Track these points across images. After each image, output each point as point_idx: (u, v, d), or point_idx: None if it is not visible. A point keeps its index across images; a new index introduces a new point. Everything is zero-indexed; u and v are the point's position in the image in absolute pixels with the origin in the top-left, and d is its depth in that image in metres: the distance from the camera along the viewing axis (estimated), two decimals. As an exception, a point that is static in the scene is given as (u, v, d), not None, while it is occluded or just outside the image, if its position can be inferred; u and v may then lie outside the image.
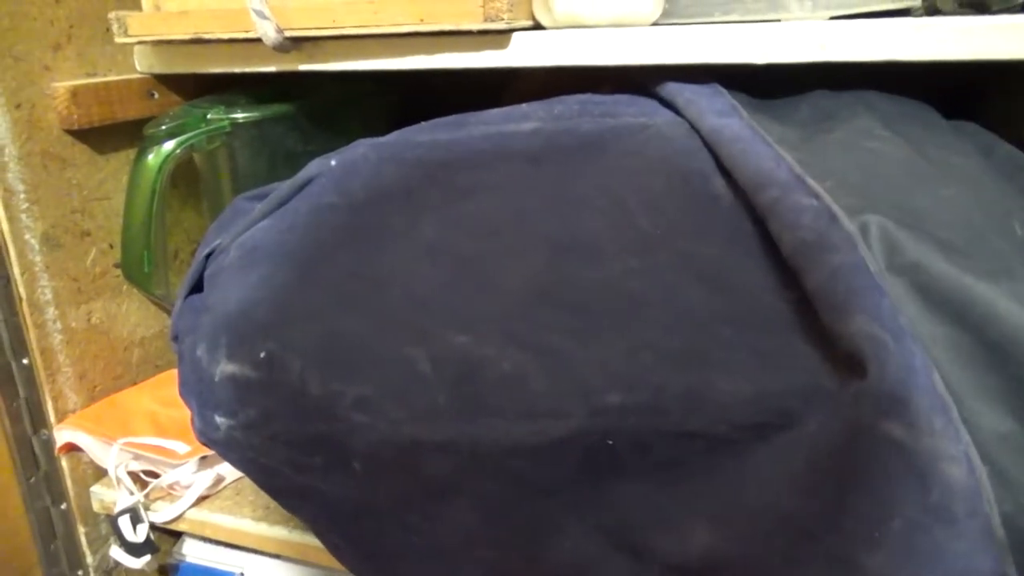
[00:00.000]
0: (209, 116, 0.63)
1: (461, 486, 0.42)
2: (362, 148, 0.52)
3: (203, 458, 0.60)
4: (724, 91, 0.47)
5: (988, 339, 0.34)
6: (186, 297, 0.53)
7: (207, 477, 0.60)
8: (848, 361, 0.35)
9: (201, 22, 0.57)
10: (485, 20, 0.49)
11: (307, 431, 0.46)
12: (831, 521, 0.35)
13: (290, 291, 0.47)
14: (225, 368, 0.48)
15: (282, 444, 0.47)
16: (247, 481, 0.63)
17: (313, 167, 0.53)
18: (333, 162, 0.52)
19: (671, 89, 0.48)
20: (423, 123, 0.51)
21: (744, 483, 0.37)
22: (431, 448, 0.42)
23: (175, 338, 0.54)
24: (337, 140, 0.69)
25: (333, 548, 0.51)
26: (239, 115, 0.64)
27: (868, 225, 0.36)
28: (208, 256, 0.53)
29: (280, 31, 0.54)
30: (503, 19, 0.49)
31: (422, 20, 0.51)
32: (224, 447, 0.50)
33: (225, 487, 0.62)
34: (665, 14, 0.51)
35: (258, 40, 0.56)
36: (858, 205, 0.37)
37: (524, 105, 0.52)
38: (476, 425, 0.41)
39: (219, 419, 0.49)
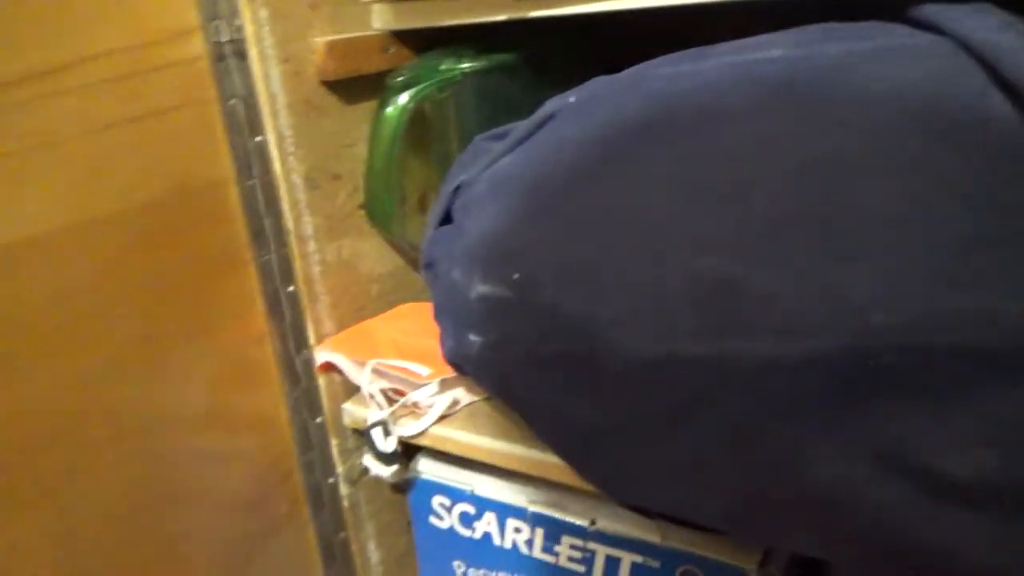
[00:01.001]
0: (441, 67, 0.67)
1: (710, 404, 0.44)
2: (602, 84, 0.54)
3: (443, 381, 0.66)
4: (993, 8, 0.45)
5: None
6: (437, 227, 0.58)
7: (446, 398, 0.66)
8: None
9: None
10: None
11: (555, 349, 0.49)
12: None
13: (538, 219, 0.50)
14: (480, 288, 0.52)
15: (527, 361, 0.51)
16: (480, 405, 0.69)
17: (551, 105, 0.56)
18: (572, 99, 0.55)
19: (930, 11, 0.47)
20: (661, 58, 0.53)
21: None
22: (684, 363, 0.44)
23: (428, 265, 0.59)
24: (555, 88, 0.72)
25: (575, 463, 0.54)
26: (467, 65, 0.68)
27: None
28: (456, 190, 0.58)
29: (520, -23, 0.57)
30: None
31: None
32: (475, 364, 0.55)
33: (461, 409, 0.68)
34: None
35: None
36: None
37: (764, 35, 0.52)
38: (724, 342, 0.42)
39: (472, 337, 0.54)
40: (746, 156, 0.46)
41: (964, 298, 0.37)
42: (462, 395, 0.68)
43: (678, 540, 0.64)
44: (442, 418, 0.66)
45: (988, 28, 0.43)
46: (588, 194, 0.49)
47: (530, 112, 0.69)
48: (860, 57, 0.46)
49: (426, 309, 0.67)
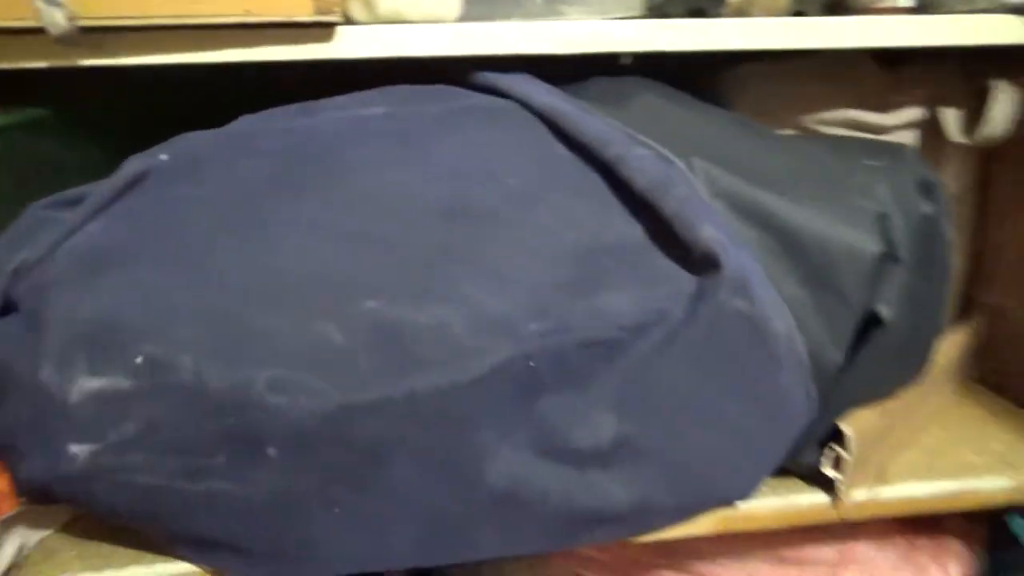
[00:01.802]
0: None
1: (397, 442, 0.44)
2: (200, 141, 0.50)
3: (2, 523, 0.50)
4: (534, 78, 0.56)
5: (779, 235, 0.48)
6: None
7: (11, 546, 0.50)
8: (704, 262, 0.46)
9: (-49, 8, 0.48)
10: (316, 13, 0.51)
11: (209, 429, 0.43)
12: (702, 382, 0.46)
13: (166, 288, 0.44)
14: (86, 385, 0.43)
15: (174, 452, 0.43)
16: (57, 538, 0.54)
17: (136, 164, 0.49)
18: (164, 156, 0.49)
19: (490, 77, 0.56)
20: (265, 113, 0.51)
21: (637, 372, 0.46)
22: (363, 410, 0.43)
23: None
24: (95, 146, 0.63)
25: (234, 556, 0.47)
26: (-18, 122, 0.55)
27: (692, 164, 0.48)
28: (14, 272, 0.46)
29: (73, 20, 0.49)
30: (335, 12, 0.52)
31: (248, 11, 0.51)
32: (82, 480, 0.44)
33: (31, 550, 0.52)
34: (465, 15, 0.58)
35: (29, 31, 0.50)
36: (681, 151, 0.49)
37: (359, 93, 0.55)
38: (408, 378, 0.44)
39: (75, 448, 0.43)
40: (382, 203, 0.48)
41: (587, 298, 0.46)
42: (28, 534, 0.53)
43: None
44: (10, 569, 0.50)
45: (540, 93, 0.54)
46: (221, 256, 0.45)
47: (72, 172, 0.59)
48: (457, 113, 0.52)
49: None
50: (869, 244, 0.48)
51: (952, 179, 0.74)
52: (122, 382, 0.43)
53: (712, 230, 0.45)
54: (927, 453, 0.60)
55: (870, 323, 0.49)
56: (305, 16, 0.51)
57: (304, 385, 0.43)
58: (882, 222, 0.49)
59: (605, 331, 0.46)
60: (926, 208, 0.53)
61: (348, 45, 0.55)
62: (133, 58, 0.53)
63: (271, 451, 0.44)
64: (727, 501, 0.51)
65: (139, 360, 0.42)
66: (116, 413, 0.43)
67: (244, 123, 0.51)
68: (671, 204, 0.46)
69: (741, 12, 0.65)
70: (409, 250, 0.46)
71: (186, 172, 0.48)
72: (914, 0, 0.62)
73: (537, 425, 0.46)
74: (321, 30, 0.54)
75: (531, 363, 0.45)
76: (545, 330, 0.45)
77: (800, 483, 0.55)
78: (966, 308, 0.76)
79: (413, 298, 0.45)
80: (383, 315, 0.44)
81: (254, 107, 0.56)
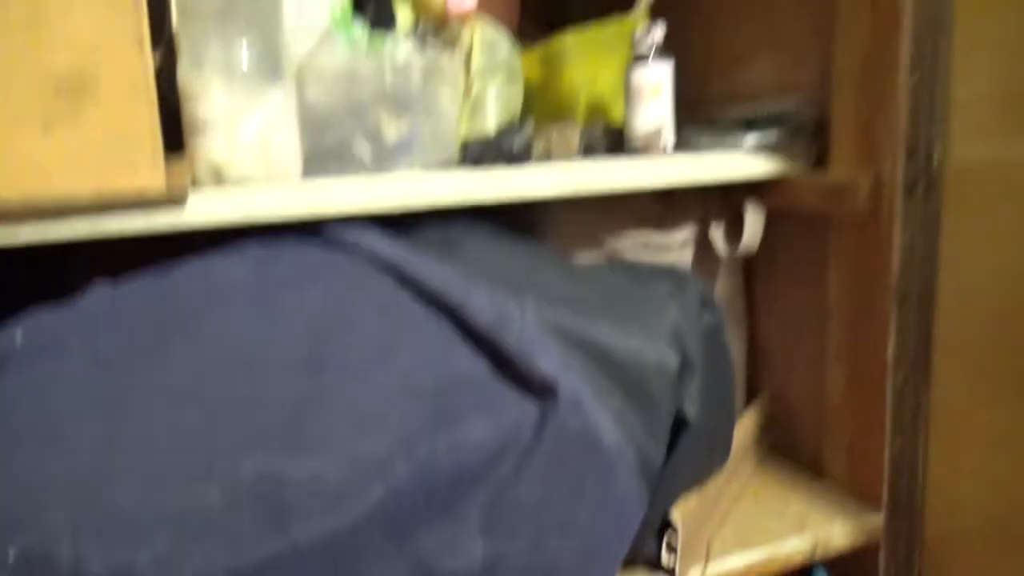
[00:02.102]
0: None
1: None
2: (61, 316, 0.51)
3: None
4: (375, 228, 0.63)
5: (600, 358, 0.57)
6: None
7: None
8: (542, 389, 0.53)
9: None
10: (169, 190, 0.55)
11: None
12: (555, 496, 0.53)
13: (36, 470, 0.44)
14: (-48, 587, 0.41)
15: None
16: None
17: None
18: (18, 338, 0.50)
19: (337, 230, 0.62)
20: (116, 285, 0.53)
21: (498, 494, 0.52)
22: (251, 572, 0.45)
23: None
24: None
25: None
26: None
27: (525, 304, 0.56)
28: None
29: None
30: (185, 187, 0.55)
31: (99, 190, 0.53)
32: None
33: None
34: (306, 175, 0.64)
35: None
36: (512, 289, 0.57)
37: (212, 255, 0.58)
38: (291, 531, 0.46)
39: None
40: (243, 361, 0.51)
41: (449, 432, 0.51)
42: None
43: None
44: None
45: (384, 243, 0.61)
46: (90, 431, 0.46)
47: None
48: (309, 270, 0.57)
49: None
50: (670, 357, 0.58)
51: (723, 285, 0.89)
52: (-10, 579, 0.42)
53: (547, 360, 0.53)
54: (739, 527, 0.71)
55: (679, 423, 0.59)
56: (157, 194, 0.55)
57: (187, 556, 0.44)
58: (676, 336, 0.60)
59: (468, 461, 0.51)
60: (708, 319, 0.64)
61: (198, 212, 0.58)
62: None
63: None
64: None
65: (12, 555, 0.42)
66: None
67: (100, 293, 0.53)
68: (510, 341, 0.54)
69: (544, 156, 0.77)
70: (276, 404, 0.50)
71: (44, 349, 0.49)
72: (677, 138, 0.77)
73: (414, 559, 0.50)
74: (172, 200, 0.57)
75: (404, 501, 0.49)
76: (414, 468, 0.50)
77: (643, 572, 0.63)
78: (750, 392, 0.90)
79: (286, 452, 0.48)
80: (260, 472, 0.47)
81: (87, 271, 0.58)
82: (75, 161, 0.53)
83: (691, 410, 0.59)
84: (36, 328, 0.50)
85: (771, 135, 0.80)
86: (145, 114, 0.55)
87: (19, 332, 0.50)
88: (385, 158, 0.68)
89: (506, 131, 0.74)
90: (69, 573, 0.42)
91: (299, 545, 0.46)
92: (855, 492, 0.76)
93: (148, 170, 0.54)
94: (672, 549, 0.61)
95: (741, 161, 0.78)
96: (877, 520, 0.73)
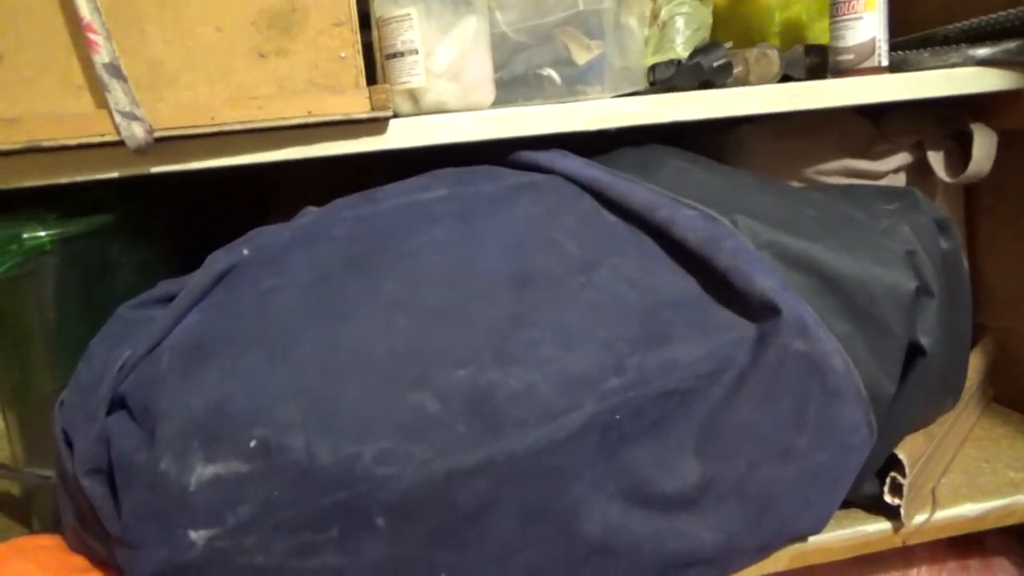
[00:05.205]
0: (24, 236, 0.55)
1: (498, 501, 0.46)
2: (274, 233, 0.53)
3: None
4: (569, 152, 0.61)
5: (823, 279, 0.52)
6: (99, 420, 0.47)
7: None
8: (762, 308, 0.50)
9: (37, 128, 0.51)
10: (372, 110, 0.56)
11: (321, 504, 0.45)
12: (773, 421, 0.49)
13: (266, 373, 0.46)
14: (204, 472, 0.44)
15: (289, 530, 0.45)
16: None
17: (222, 260, 0.52)
18: (246, 251, 0.52)
19: (531, 155, 0.60)
20: (334, 204, 0.55)
21: (712, 416, 0.49)
22: (466, 474, 0.45)
23: (95, 471, 0.46)
24: (158, 247, 0.66)
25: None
26: (56, 231, 0.57)
27: (736, 220, 0.53)
28: (120, 370, 0.48)
29: (151, 131, 0.52)
30: (388, 108, 0.56)
31: (309, 112, 0.55)
32: (200, 567, 0.45)
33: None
34: (496, 101, 0.63)
35: (107, 144, 0.53)
36: (720, 210, 0.54)
37: (413, 179, 0.59)
38: (506, 439, 0.46)
39: (195, 534, 0.45)
40: (456, 278, 0.51)
41: (659, 352, 0.49)
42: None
43: None
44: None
45: (581, 166, 0.59)
46: (313, 339, 0.48)
47: (133, 275, 0.62)
48: (509, 190, 0.56)
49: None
50: (906, 281, 0.52)
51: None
52: (239, 466, 0.44)
53: (766, 279, 0.49)
54: (968, 474, 0.64)
55: (912, 354, 0.53)
56: (362, 113, 0.56)
57: (408, 455, 0.45)
58: (912, 260, 0.54)
59: (680, 381, 0.49)
60: (944, 244, 0.58)
61: (399, 136, 0.59)
62: (201, 163, 0.57)
63: (380, 521, 0.45)
64: (802, 536, 0.53)
65: (253, 444, 0.44)
66: (233, 497, 0.44)
67: (313, 215, 0.55)
68: (724, 258, 0.50)
69: (740, 81, 0.72)
70: (486, 320, 0.49)
71: (268, 263, 0.51)
72: (889, 60, 0.69)
73: (626, 476, 0.48)
74: (375, 124, 0.58)
75: (616, 416, 0.47)
76: (625, 384, 0.48)
77: (863, 514, 0.58)
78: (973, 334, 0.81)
79: (498, 364, 0.48)
80: (474, 381, 0.47)
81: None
82: (286, 87, 0.55)
83: (927, 340, 0.53)
84: (261, 244, 0.53)
85: (1007, 46, 0.70)
86: (350, 41, 0.56)
87: (246, 247, 0.52)
88: (575, 82, 0.66)
89: (701, 49, 0.69)
90: (302, 460, 0.44)
91: (513, 453, 0.46)
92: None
93: (353, 94, 0.55)
94: (898, 489, 0.55)
95: (971, 74, 0.69)
96: None
